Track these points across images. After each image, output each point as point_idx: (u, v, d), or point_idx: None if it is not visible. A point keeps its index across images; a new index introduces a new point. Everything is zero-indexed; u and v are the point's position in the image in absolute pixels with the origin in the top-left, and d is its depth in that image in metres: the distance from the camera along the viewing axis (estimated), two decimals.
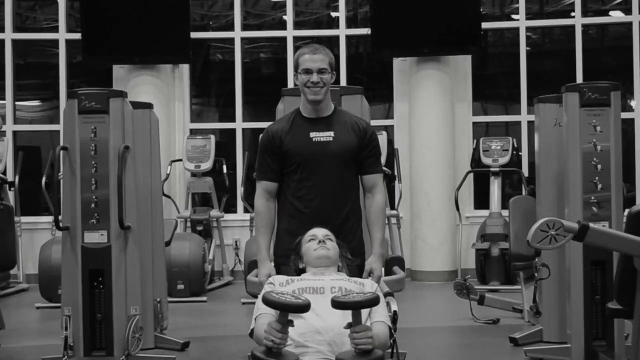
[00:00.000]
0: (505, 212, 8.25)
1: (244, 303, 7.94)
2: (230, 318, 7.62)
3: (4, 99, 10.35)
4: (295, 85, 4.13)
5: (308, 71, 4.00)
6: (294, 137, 4.01)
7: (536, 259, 5.97)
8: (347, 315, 3.35)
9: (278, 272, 3.97)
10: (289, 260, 3.92)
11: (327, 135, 4.01)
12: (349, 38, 10.48)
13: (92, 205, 5.41)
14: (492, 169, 9.42)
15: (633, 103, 10.12)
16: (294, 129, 4.03)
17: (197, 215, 9.44)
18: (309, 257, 3.78)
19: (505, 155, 9.42)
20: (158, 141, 6.26)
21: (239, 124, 10.42)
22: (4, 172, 9.42)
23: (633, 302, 3.53)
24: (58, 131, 9.61)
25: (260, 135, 4.14)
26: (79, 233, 5.41)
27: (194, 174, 9.52)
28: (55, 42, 10.41)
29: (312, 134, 4.00)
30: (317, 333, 3.43)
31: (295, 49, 10.35)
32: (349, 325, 3.34)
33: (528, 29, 10.31)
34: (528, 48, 10.31)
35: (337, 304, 3.33)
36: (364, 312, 3.44)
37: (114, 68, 10.22)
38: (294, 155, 3.99)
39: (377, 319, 3.53)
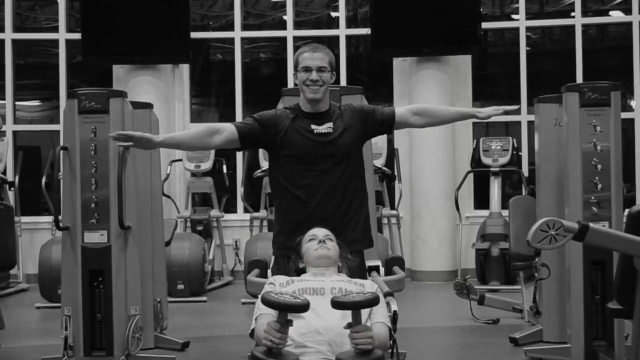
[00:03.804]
0: (505, 212, 8.25)
1: (244, 303, 7.94)
2: (230, 318, 7.62)
3: (4, 99, 10.35)
4: (295, 85, 4.13)
5: (307, 69, 4.01)
6: (295, 128, 4.02)
7: (536, 259, 5.97)
8: (347, 316, 3.35)
9: (277, 264, 4.00)
10: (288, 252, 3.93)
11: (327, 127, 4.04)
12: (349, 38, 10.48)
13: (92, 205, 5.41)
14: (492, 169, 9.42)
15: (633, 103, 10.13)
16: (296, 121, 4.04)
17: (197, 215, 9.44)
18: (309, 257, 3.78)
19: (505, 155, 9.42)
20: None
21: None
22: (4, 172, 9.42)
23: (633, 302, 3.52)
24: (58, 131, 9.61)
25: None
26: (79, 233, 5.41)
27: (194, 174, 9.53)
28: (55, 42, 10.42)
29: (313, 126, 4.03)
30: (317, 333, 3.43)
31: (295, 48, 10.34)
32: (348, 326, 3.34)
33: (528, 29, 10.32)
34: (528, 48, 10.31)
35: (336, 304, 3.33)
36: (364, 313, 3.44)
37: (114, 68, 10.22)
38: (298, 147, 4.00)
39: (377, 319, 3.53)
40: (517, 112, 10.22)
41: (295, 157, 4.01)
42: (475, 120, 4.47)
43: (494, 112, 4.18)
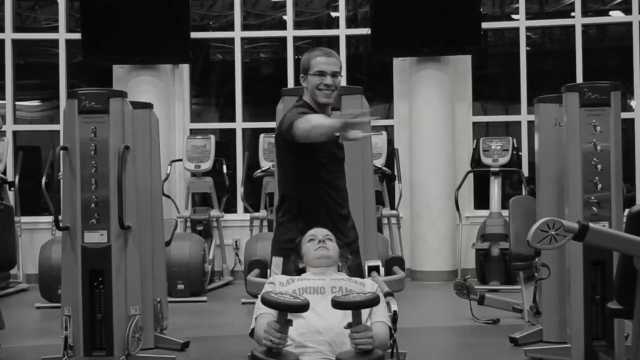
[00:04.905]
0: (505, 212, 8.25)
1: (244, 303, 7.94)
2: (230, 318, 7.62)
3: (4, 99, 10.35)
4: (296, 85, 4.13)
5: (322, 73, 4.00)
6: None
7: (536, 259, 5.97)
8: (347, 315, 3.35)
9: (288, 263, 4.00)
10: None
11: None
12: (349, 38, 10.48)
13: (92, 205, 5.41)
14: (492, 169, 9.42)
15: (633, 103, 10.13)
16: None
17: (197, 215, 9.44)
18: (309, 257, 3.78)
19: (505, 155, 9.41)
20: (158, 141, 6.26)
21: (239, 124, 10.42)
22: (4, 172, 9.42)
23: (633, 302, 3.53)
24: (58, 131, 9.61)
25: (293, 108, 4.07)
26: (79, 233, 5.41)
27: (194, 174, 9.52)
28: (55, 42, 10.42)
29: None
30: (317, 333, 3.43)
31: (296, 49, 10.36)
32: (349, 325, 3.34)
33: (528, 29, 10.31)
34: (528, 48, 10.31)
35: (337, 304, 3.33)
36: (364, 312, 3.44)
37: (114, 68, 10.22)
38: (330, 148, 4.02)
39: (377, 319, 3.53)
40: (517, 111, 10.26)
41: (330, 158, 4.04)
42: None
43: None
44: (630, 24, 10.07)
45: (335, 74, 4.02)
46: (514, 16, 10.45)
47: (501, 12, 10.75)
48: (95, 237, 5.41)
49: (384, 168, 9.23)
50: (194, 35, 10.05)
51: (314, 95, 4.03)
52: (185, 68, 10.40)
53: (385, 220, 9.38)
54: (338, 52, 10.18)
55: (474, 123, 10.25)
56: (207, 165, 9.40)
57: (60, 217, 5.61)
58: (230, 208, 10.23)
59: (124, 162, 5.44)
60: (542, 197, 5.97)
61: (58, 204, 5.91)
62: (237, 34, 10.45)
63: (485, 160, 9.47)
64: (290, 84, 10.00)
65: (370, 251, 5.06)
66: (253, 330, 3.55)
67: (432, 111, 9.76)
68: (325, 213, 4.02)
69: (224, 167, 9.71)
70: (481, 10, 9.96)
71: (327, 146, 4.01)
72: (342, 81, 4.21)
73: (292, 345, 3.39)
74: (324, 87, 4.00)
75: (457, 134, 9.99)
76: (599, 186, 5.34)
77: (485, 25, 10.03)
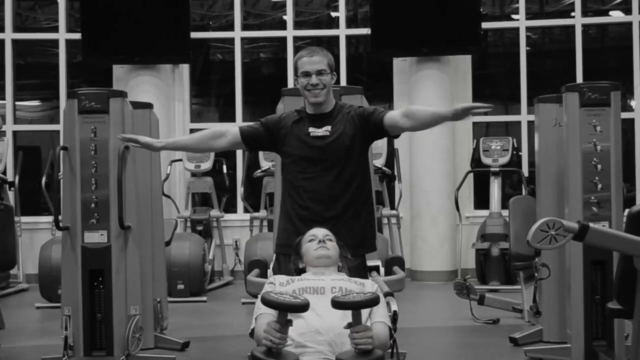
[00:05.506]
0: (505, 212, 8.25)
1: (244, 303, 7.94)
2: (230, 318, 7.62)
3: (4, 99, 10.35)
4: (295, 86, 4.17)
5: (307, 74, 4.05)
6: (294, 132, 4.10)
7: (536, 259, 5.97)
8: (347, 315, 3.35)
9: (277, 262, 4.07)
10: (289, 249, 3.95)
11: (325, 130, 4.07)
12: (349, 38, 10.48)
13: (92, 205, 5.41)
14: (492, 169, 9.42)
15: (633, 103, 10.13)
16: (297, 124, 4.11)
17: (197, 215, 9.44)
18: (309, 257, 3.78)
19: (505, 155, 9.42)
20: None
21: (239, 124, 10.41)
22: (4, 172, 9.42)
23: (633, 302, 3.53)
24: (58, 131, 9.61)
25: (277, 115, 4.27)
26: (79, 233, 5.40)
27: (194, 174, 9.52)
28: (55, 42, 10.42)
29: (311, 129, 4.08)
30: (317, 333, 3.43)
31: (295, 48, 10.36)
32: (349, 325, 3.34)
33: (528, 29, 10.32)
34: (528, 48, 10.31)
35: (337, 304, 3.33)
36: (364, 312, 3.44)
37: (114, 68, 10.22)
38: (295, 150, 4.08)
39: (377, 319, 3.53)
40: (517, 111, 10.26)
41: (294, 160, 4.08)
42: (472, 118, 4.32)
43: (464, 109, 3.73)
44: (630, 24, 10.07)
45: (320, 72, 4.04)
46: (514, 16, 10.45)
47: (501, 12, 10.75)
48: (95, 237, 5.41)
49: (384, 168, 9.23)
50: (194, 35, 10.05)
51: (304, 96, 4.09)
52: (185, 68, 10.40)
53: (385, 220, 9.38)
54: (338, 52, 10.27)
55: (474, 123, 10.25)
56: (207, 165, 9.40)
57: (60, 217, 5.61)
58: (230, 208, 10.23)
59: (124, 162, 5.43)
60: (542, 197, 5.97)
61: (58, 204, 5.91)
62: (237, 34, 10.45)
63: (485, 160, 9.47)
64: (290, 84, 10.00)
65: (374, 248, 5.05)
66: (253, 330, 3.55)
67: None
68: (286, 214, 4.12)
69: (224, 167, 9.72)
70: (481, 10, 9.96)
71: (284, 146, 4.09)
72: (342, 81, 4.26)
73: (292, 345, 3.39)
74: (311, 87, 4.05)
75: (457, 134, 9.99)
76: (599, 186, 5.34)
77: (485, 25, 10.03)
